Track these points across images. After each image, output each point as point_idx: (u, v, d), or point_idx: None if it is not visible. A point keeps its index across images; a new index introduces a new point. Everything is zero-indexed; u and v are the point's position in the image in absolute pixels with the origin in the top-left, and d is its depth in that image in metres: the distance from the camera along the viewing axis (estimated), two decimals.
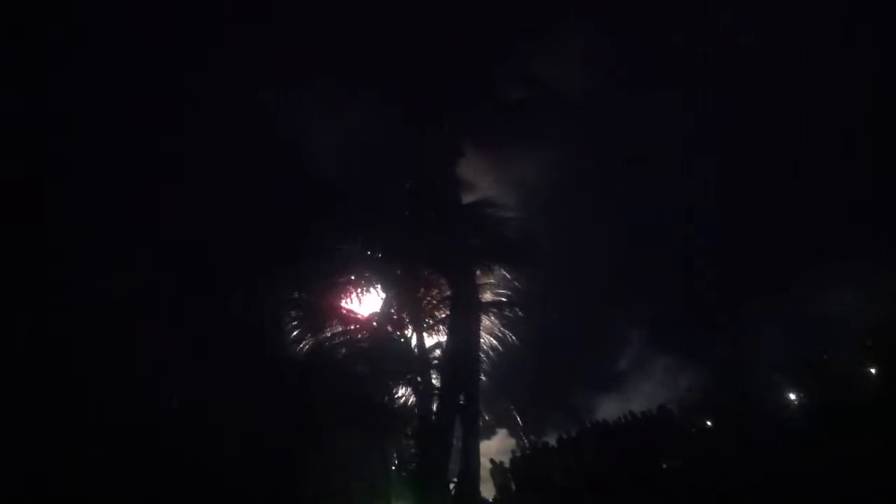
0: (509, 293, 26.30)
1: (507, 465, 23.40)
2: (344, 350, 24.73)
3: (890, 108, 25.77)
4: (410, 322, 25.11)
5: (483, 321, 25.97)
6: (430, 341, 25.36)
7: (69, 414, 19.19)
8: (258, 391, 21.70)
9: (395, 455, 23.83)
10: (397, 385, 24.74)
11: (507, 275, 26.01)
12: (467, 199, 25.60)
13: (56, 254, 21.39)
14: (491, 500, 23.37)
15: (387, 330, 24.77)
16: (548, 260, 25.74)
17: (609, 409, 25.69)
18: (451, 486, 23.35)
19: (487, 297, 26.31)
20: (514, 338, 26.34)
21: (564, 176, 25.72)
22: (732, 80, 28.24)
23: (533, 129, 26.19)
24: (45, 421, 18.51)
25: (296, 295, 24.68)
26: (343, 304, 25.35)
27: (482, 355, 26.04)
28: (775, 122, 27.70)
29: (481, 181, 25.76)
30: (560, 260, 26.24)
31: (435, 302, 25.57)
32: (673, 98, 27.38)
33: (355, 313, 25.40)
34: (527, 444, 25.56)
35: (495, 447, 26.81)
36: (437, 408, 23.98)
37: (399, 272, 25.15)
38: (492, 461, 23.59)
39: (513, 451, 24.24)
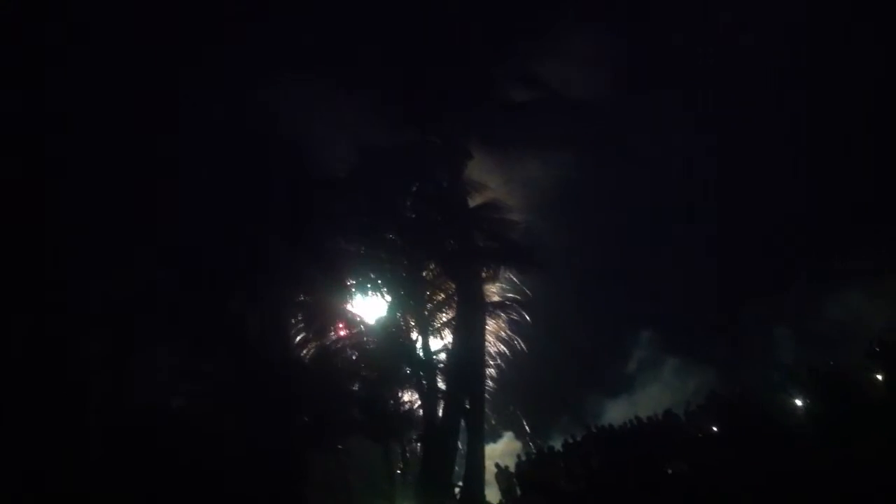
0: (515, 295, 26.22)
1: (512, 469, 23.39)
2: (349, 353, 24.67)
3: (890, 108, 25.88)
4: (416, 325, 24.93)
5: (489, 324, 25.88)
6: (435, 345, 25.21)
7: (69, 414, 19.12)
8: (262, 393, 21.64)
9: (399, 459, 23.72)
10: (402, 388, 24.56)
11: (513, 277, 25.92)
12: (473, 201, 25.40)
13: (56, 254, 21.24)
14: None
15: (392, 333, 24.56)
16: (553, 262, 25.63)
17: (616, 412, 25.77)
18: (456, 490, 23.28)
19: (494, 299, 26.21)
20: (520, 342, 26.31)
21: (569, 177, 25.65)
22: (733, 80, 28.41)
23: (537, 129, 26.16)
24: (45, 421, 18.41)
25: (301, 298, 24.43)
26: (348, 306, 25.24)
27: (488, 359, 25.99)
28: (776, 123, 27.75)
29: (488, 183, 25.58)
30: (565, 262, 26.23)
31: (441, 303, 25.48)
32: (674, 98, 27.41)
33: (360, 316, 25.31)
34: (532, 449, 25.40)
35: (501, 450, 26.83)
36: (442, 411, 23.84)
37: (404, 274, 24.93)
38: (497, 465, 23.53)
39: (518, 456, 24.17)
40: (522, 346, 26.30)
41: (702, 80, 28.50)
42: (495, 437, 27.73)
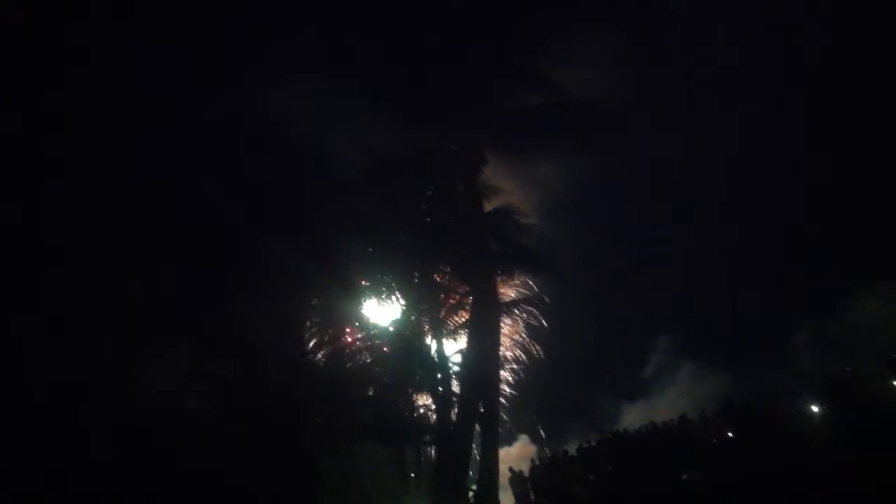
0: (531, 297, 26.08)
1: (526, 473, 23.44)
2: (362, 357, 24.60)
3: None
4: (429, 328, 24.90)
5: (504, 327, 25.89)
6: (449, 349, 25.21)
7: (75, 415, 19.12)
8: (274, 396, 21.63)
9: (413, 463, 23.78)
10: (416, 392, 24.53)
11: (528, 281, 25.79)
12: (489, 205, 25.21)
13: (56, 254, 21.06)
14: None
15: (406, 336, 24.45)
16: (569, 266, 25.41)
17: (632, 417, 25.74)
18: (470, 494, 23.25)
19: (510, 296, 26.22)
20: (535, 346, 26.26)
21: (584, 179, 25.39)
22: (749, 76, 27.77)
23: (551, 132, 25.84)
24: (51, 422, 18.43)
25: (314, 301, 24.29)
26: (362, 310, 25.12)
27: (503, 362, 26.02)
28: (799, 121, 27.21)
29: (502, 187, 25.47)
30: (582, 265, 26.02)
31: (454, 306, 25.35)
32: (687, 98, 27.00)
33: (374, 320, 25.24)
34: (547, 453, 25.42)
35: (516, 454, 26.84)
36: (455, 415, 23.76)
37: (418, 278, 24.85)
38: (511, 469, 23.58)
39: (532, 460, 24.22)
40: (538, 349, 26.30)
41: (729, 82, 28.04)
42: (510, 440, 27.71)
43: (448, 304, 25.32)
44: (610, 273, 27.69)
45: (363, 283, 24.85)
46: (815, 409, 22.59)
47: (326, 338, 24.33)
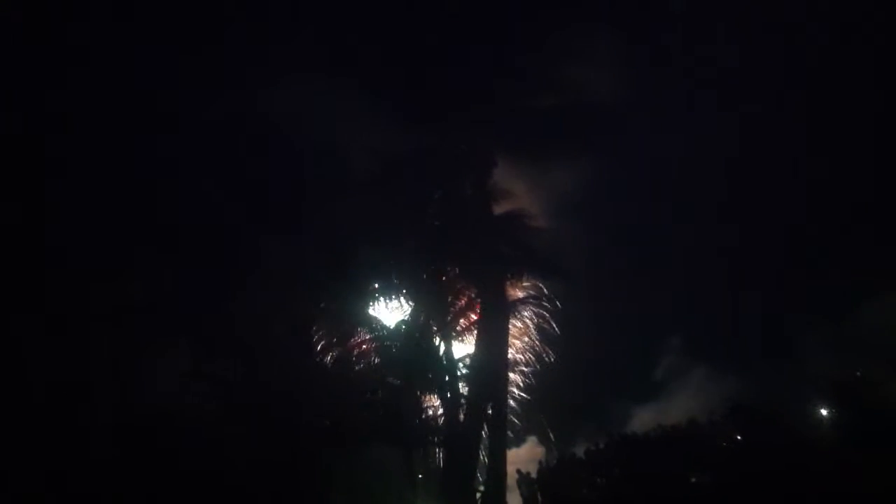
0: (540, 299, 26.02)
1: (534, 475, 23.47)
2: (371, 358, 24.53)
3: None
4: (438, 331, 24.71)
5: (514, 329, 25.76)
6: (458, 352, 25.05)
7: (78, 415, 18.98)
8: (282, 398, 21.54)
9: (421, 464, 23.71)
10: (425, 394, 24.42)
11: (538, 284, 25.73)
12: (499, 208, 25.14)
13: (56, 254, 20.89)
14: None
15: (414, 338, 24.32)
16: (580, 268, 25.43)
17: (643, 419, 25.78)
18: (478, 495, 23.27)
19: (518, 302, 25.95)
20: (545, 347, 26.21)
21: (595, 180, 25.38)
22: (760, 85, 27.84)
23: (561, 134, 25.72)
24: (53, 422, 18.26)
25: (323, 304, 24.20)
26: (371, 312, 25.01)
27: (513, 364, 25.91)
28: (810, 122, 27.29)
29: (513, 189, 25.40)
30: (592, 266, 26.03)
31: (463, 308, 25.25)
32: (697, 98, 26.99)
33: (383, 321, 25.09)
34: (555, 455, 25.46)
35: (524, 455, 26.75)
36: (464, 417, 23.59)
37: (426, 279, 24.70)
38: (518, 471, 23.63)
39: (540, 462, 24.26)
40: (547, 351, 26.24)
41: (739, 87, 28.10)
42: (520, 440, 27.59)
43: (457, 306, 25.16)
44: (619, 275, 27.67)
45: (372, 284, 24.72)
46: (823, 411, 22.66)
47: (335, 339, 24.19)
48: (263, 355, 22.20)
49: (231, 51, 24.61)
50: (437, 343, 24.62)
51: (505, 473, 23.41)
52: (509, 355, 25.30)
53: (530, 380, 26.39)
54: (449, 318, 24.91)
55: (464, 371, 24.40)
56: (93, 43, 22.60)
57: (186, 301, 22.12)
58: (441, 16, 25.25)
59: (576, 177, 25.63)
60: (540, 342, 26.28)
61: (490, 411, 23.67)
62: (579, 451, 24.00)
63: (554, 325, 25.75)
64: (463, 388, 24.23)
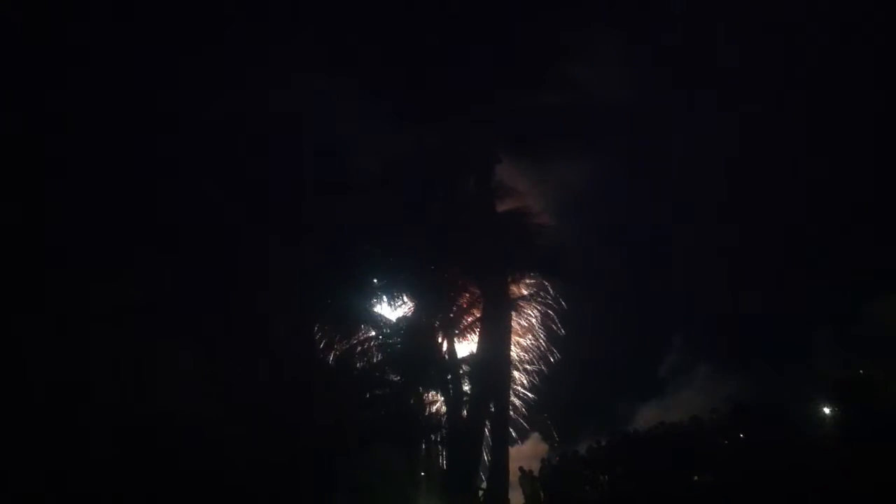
0: (543, 297, 26.14)
1: (536, 472, 23.45)
2: (374, 356, 24.68)
3: None
4: (441, 328, 24.86)
5: (517, 325, 25.94)
6: (462, 351, 25.23)
7: (81, 416, 18.98)
8: (285, 396, 21.53)
9: (423, 462, 23.74)
10: (427, 391, 24.55)
11: (542, 282, 25.85)
12: (503, 205, 25.34)
13: (56, 254, 20.89)
14: None
15: (417, 335, 24.45)
16: (584, 264, 25.49)
17: (646, 416, 25.73)
18: (480, 493, 23.33)
19: (521, 300, 26.11)
20: (550, 346, 26.37)
21: (600, 179, 25.44)
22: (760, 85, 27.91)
23: (567, 132, 25.77)
24: (56, 423, 18.24)
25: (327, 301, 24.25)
26: (374, 309, 25.26)
27: (516, 360, 26.08)
28: (817, 119, 27.29)
29: (517, 186, 25.55)
30: (597, 263, 26.07)
31: (465, 306, 25.39)
32: (705, 97, 27.04)
33: (386, 319, 25.30)
34: (558, 453, 25.43)
35: (527, 452, 26.66)
36: (466, 414, 23.78)
37: (430, 278, 24.88)
38: (521, 469, 23.58)
39: (542, 460, 24.25)
40: (551, 348, 26.40)
41: (747, 87, 28.19)
42: (523, 437, 27.42)
43: (459, 304, 25.30)
44: (622, 272, 27.65)
45: (374, 282, 24.91)
46: (826, 410, 22.60)
47: (337, 337, 24.25)
48: (264, 354, 22.21)
49: (231, 51, 24.53)
50: (439, 340, 24.73)
51: (507, 471, 23.54)
52: (512, 353, 25.41)
53: (533, 378, 26.52)
54: (451, 315, 25.01)
55: (466, 369, 24.51)
56: (93, 43, 22.61)
57: (186, 301, 22.11)
58: (441, 15, 25.18)
59: (578, 175, 25.55)
60: (543, 339, 26.43)
61: (493, 408, 23.83)
62: (582, 448, 23.92)
63: (557, 323, 25.90)
64: (466, 386, 24.36)
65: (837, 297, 25.84)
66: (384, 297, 25.01)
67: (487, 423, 23.86)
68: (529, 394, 26.60)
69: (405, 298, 25.16)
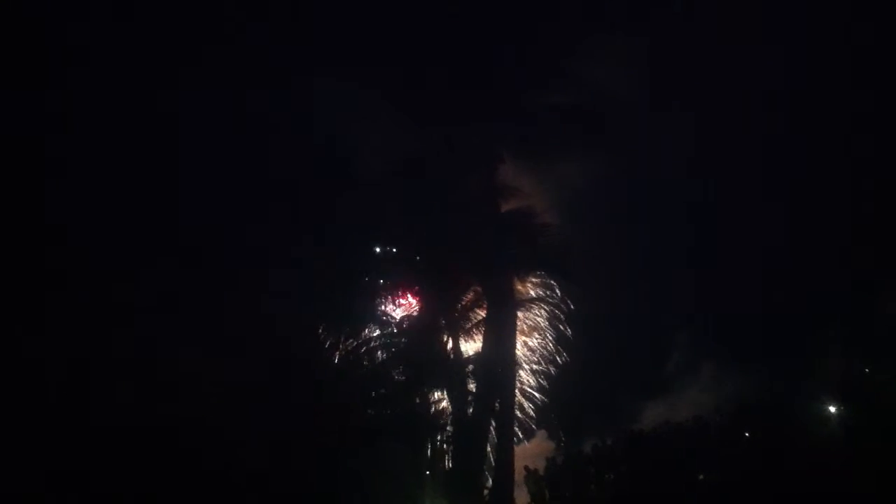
0: (548, 296, 26.13)
1: (542, 471, 23.56)
2: (379, 354, 24.50)
3: None
4: (446, 327, 24.64)
5: (523, 323, 25.98)
6: (469, 351, 25.08)
7: (90, 416, 19.07)
8: (290, 394, 21.57)
9: (428, 460, 23.79)
10: (432, 389, 24.44)
11: (549, 282, 25.88)
12: (506, 205, 24.97)
13: (66, 256, 20.89)
14: None
15: (422, 334, 24.35)
16: (590, 263, 25.40)
17: (652, 414, 25.78)
18: (486, 492, 23.36)
19: (529, 294, 26.15)
20: (556, 345, 26.36)
21: (605, 177, 25.35)
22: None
23: (571, 132, 25.60)
24: (66, 423, 18.35)
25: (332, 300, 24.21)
26: (379, 308, 25.09)
27: (522, 359, 26.13)
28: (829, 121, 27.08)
29: (521, 185, 25.21)
30: (603, 262, 25.98)
31: (470, 304, 25.20)
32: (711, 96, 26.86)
33: (392, 317, 25.17)
34: (562, 452, 25.54)
35: (532, 450, 26.65)
36: (472, 413, 23.65)
37: (435, 277, 24.62)
38: (526, 468, 23.69)
39: (547, 459, 24.34)
40: (557, 346, 26.41)
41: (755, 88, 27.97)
42: (529, 435, 27.42)
43: (464, 303, 25.09)
44: (627, 270, 27.60)
45: (379, 281, 24.86)
46: (831, 409, 22.65)
47: (343, 336, 24.25)
48: (268, 354, 22.22)
49: (231, 51, 24.34)
50: (444, 339, 24.56)
51: (513, 470, 23.48)
52: (518, 352, 25.46)
53: (539, 377, 26.57)
54: (456, 314, 24.85)
55: (471, 367, 24.46)
56: (93, 43, 22.43)
57: (188, 301, 22.10)
58: (447, 14, 25.01)
59: (583, 174, 25.48)
60: (551, 339, 26.49)
61: (497, 408, 23.85)
62: (587, 447, 24.03)
63: (563, 321, 25.93)
64: (471, 385, 24.39)
65: (843, 296, 25.68)
66: (388, 295, 24.94)
67: (493, 421, 23.83)
68: (536, 393, 26.71)
69: (410, 297, 25.11)
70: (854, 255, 25.95)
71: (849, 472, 19.60)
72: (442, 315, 24.73)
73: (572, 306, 26.02)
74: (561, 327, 26.27)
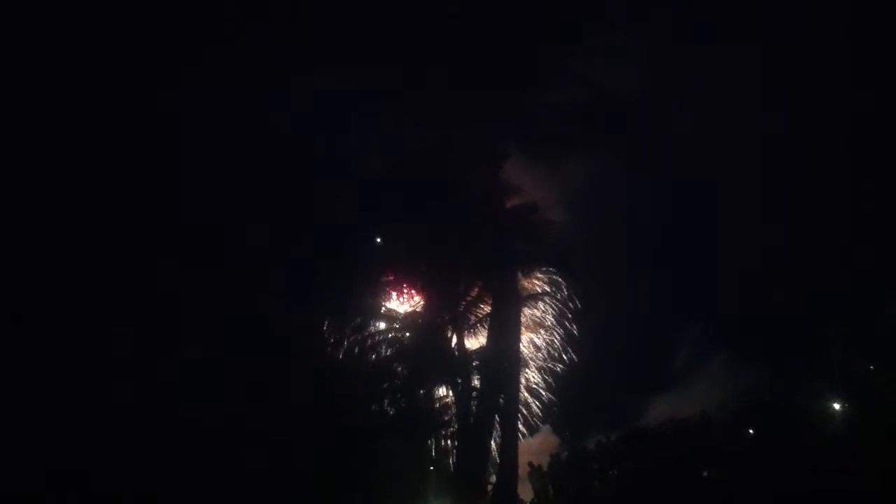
0: (553, 292, 26.17)
1: (545, 467, 23.49)
2: (383, 350, 24.66)
3: None
4: (451, 323, 24.67)
5: (528, 318, 25.98)
6: (471, 346, 25.05)
7: (92, 414, 19.07)
8: (294, 391, 21.58)
9: (432, 456, 23.78)
10: (436, 385, 24.46)
11: (553, 276, 25.87)
12: (511, 201, 25.22)
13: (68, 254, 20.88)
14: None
15: (427, 330, 24.42)
16: (596, 257, 25.41)
17: (658, 409, 25.73)
18: (489, 488, 23.43)
19: (532, 297, 26.14)
20: (561, 337, 26.45)
21: (611, 178, 25.37)
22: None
23: (576, 128, 25.71)
24: (68, 421, 18.34)
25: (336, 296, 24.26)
26: (384, 304, 25.30)
27: (527, 355, 26.19)
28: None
29: (526, 182, 25.49)
30: (610, 256, 25.93)
31: (474, 300, 25.22)
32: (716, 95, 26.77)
33: (396, 312, 25.30)
34: (566, 448, 25.47)
35: (536, 446, 26.61)
36: (475, 409, 23.75)
37: (440, 273, 24.77)
38: (530, 464, 23.61)
39: (551, 455, 24.26)
40: (562, 342, 26.47)
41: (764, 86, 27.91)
42: (533, 430, 27.40)
43: (468, 299, 25.12)
44: (632, 267, 27.51)
45: (383, 277, 24.93)
46: (837, 406, 22.53)
47: (347, 332, 24.35)
48: (270, 350, 22.23)
49: (231, 51, 24.36)
50: (448, 335, 24.59)
51: (517, 466, 23.62)
52: (524, 348, 25.59)
53: (545, 373, 26.58)
54: (460, 310, 24.85)
55: (476, 363, 24.45)
56: (93, 43, 22.45)
57: (188, 300, 22.12)
58: (447, 14, 24.99)
59: (588, 170, 25.51)
60: (558, 336, 26.53)
61: (501, 403, 23.88)
62: (591, 443, 24.00)
63: (569, 317, 25.99)
64: (475, 381, 24.35)
65: (848, 294, 25.54)
66: (393, 291, 25.09)
67: (497, 417, 23.91)
68: (542, 390, 26.73)
69: (414, 293, 25.20)
70: (854, 255, 25.78)
71: (853, 470, 19.45)
72: (446, 311, 24.73)
73: (578, 304, 26.04)
74: (567, 325, 26.27)
